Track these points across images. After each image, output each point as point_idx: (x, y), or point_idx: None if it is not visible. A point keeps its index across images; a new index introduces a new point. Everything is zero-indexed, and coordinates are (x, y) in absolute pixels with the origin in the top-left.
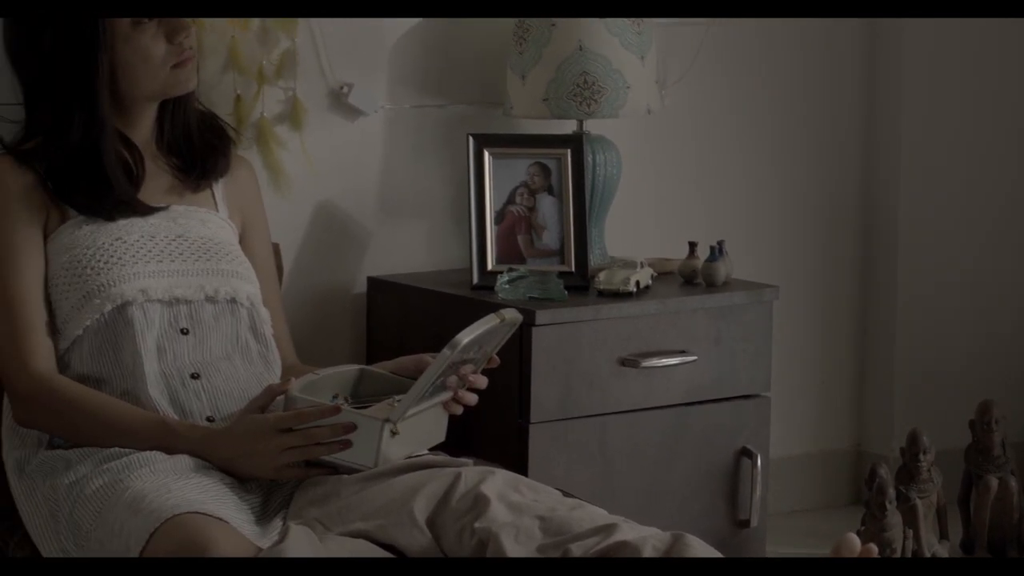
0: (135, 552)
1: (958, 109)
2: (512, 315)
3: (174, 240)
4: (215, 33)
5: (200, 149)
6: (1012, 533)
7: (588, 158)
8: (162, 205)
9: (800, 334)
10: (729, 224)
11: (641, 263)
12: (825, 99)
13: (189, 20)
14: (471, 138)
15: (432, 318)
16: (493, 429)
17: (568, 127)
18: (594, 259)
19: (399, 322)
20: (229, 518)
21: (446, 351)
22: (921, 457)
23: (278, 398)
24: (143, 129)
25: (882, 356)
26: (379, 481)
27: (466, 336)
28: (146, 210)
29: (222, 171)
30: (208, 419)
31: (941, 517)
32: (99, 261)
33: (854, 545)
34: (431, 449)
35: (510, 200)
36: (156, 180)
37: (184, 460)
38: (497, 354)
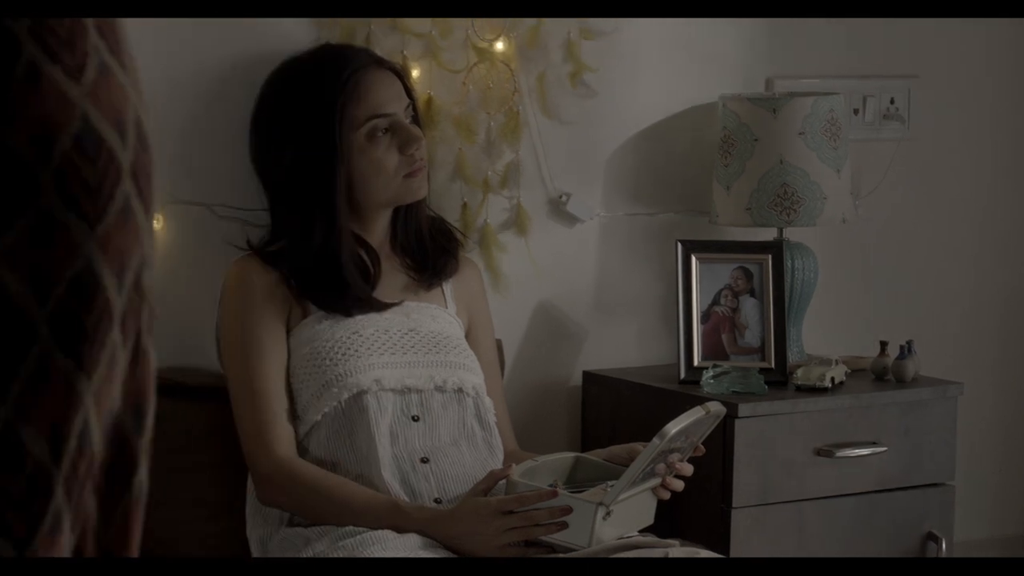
0: None
1: None
2: (717, 407)
3: (406, 334)
4: (444, 145)
5: (431, 251)
6: None
7: (787, 263)
8: (396, 301)
9: (984, 425)
10: (917, 323)
11: (836, 360)
12: (1009, 203)
13: (420, 133)
14: (679, 244)
15: (642, 409)
16: (698, 513)
17: (769, 234)
18: (792, 356)
19: (612, 413)
20: None
21: (656, 440)
22: None
23: (500, 482)
24: (378, 232)
25: None
26: None
27: (674, 426)
28: (381, 306)
29: (451, 271)
30: (436, 500)
31: None
32: (337, 353)
33: None
34: (640, 531)
35: (715, 301)
36: (391, 278)
37: (413, 539)
38: (702, 444)
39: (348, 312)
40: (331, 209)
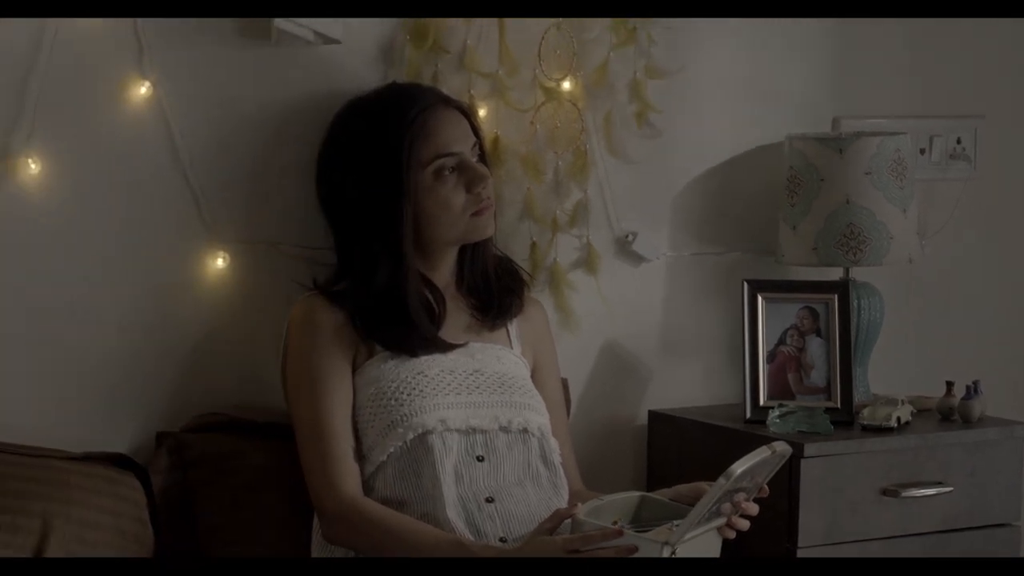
0: None
1: None
2: (782, 447)
3: (471, 375)
4: (512, 184)
5: (497, 291)
6: None
7: (853, 303)
8: (461, 342)
9: None
10: (983, 364)
11: (902, 400)
12: None
13: (487, 171)
14: (746, 283)
15: (707, 449)
16: (763, 552)
17: (835, 274)
18: (858, 396)
19: (677, 452)
20: None
21: (721, 480)
22: None
23: (565, 521)
24: (444, 272)
25: None
26: None
27: (740, 466)
28: (446, 347)
29: (516, 311)
30: (501, 540)
31: None
32: (403, 393)
33: None
34: None
35: (781, 341)
36: (456, 318)
37: None
38: (767, 485)
39: (414, 352)
40: (397, 248)
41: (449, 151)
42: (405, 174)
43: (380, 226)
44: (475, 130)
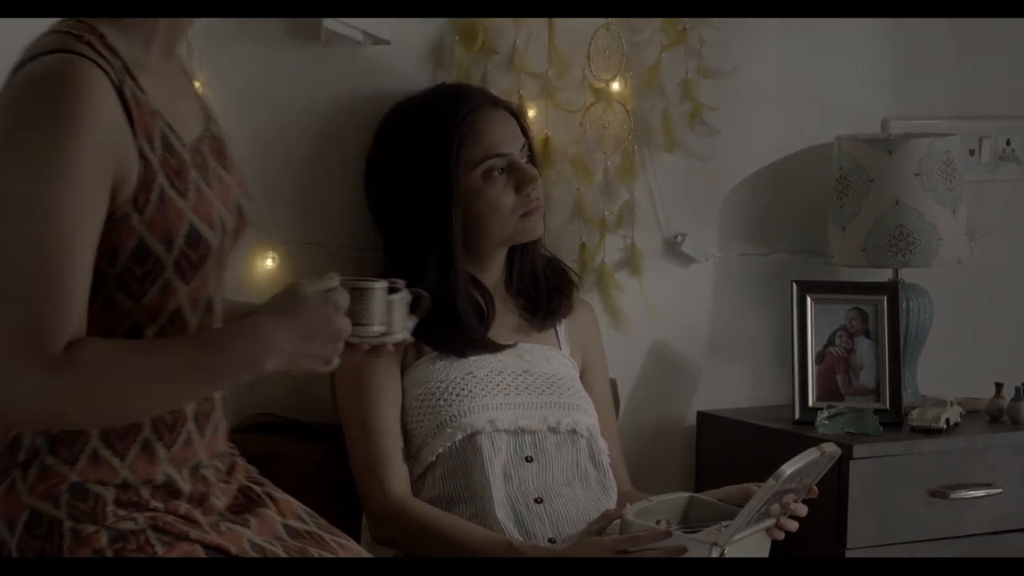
0: None
1: None
2: (831, 449)
3: (520, 375)
4: (561, 185)
5: (545, 291)
6: None
7: (903, 304)
8: (510, 343)
9: None
10: None
11: (951, 402)
12: None
13: (536, 172)
14: (794, 284)
15: (756, 450)
16: (812, 554)
17: (884, 275)
18: (907, 397)
19: (725, 453)
20: None
21: (771, 481)
22: None
23: (614, 522)
24: (493, 273)
25: None
26: None
27: (789, 467)
28: (495, 347)
29: (565, 312)
30: (550, 540)
31: None
32: (451, 394)
33: None
34: None
35: (830, 342)
36: (505, 319)
37: None
38: (816, 486)
39: (462, 353)
40: (446, 249)
41: (498, 152)
42: (454, 175)
43: (429, 227)
44: (524, 131)
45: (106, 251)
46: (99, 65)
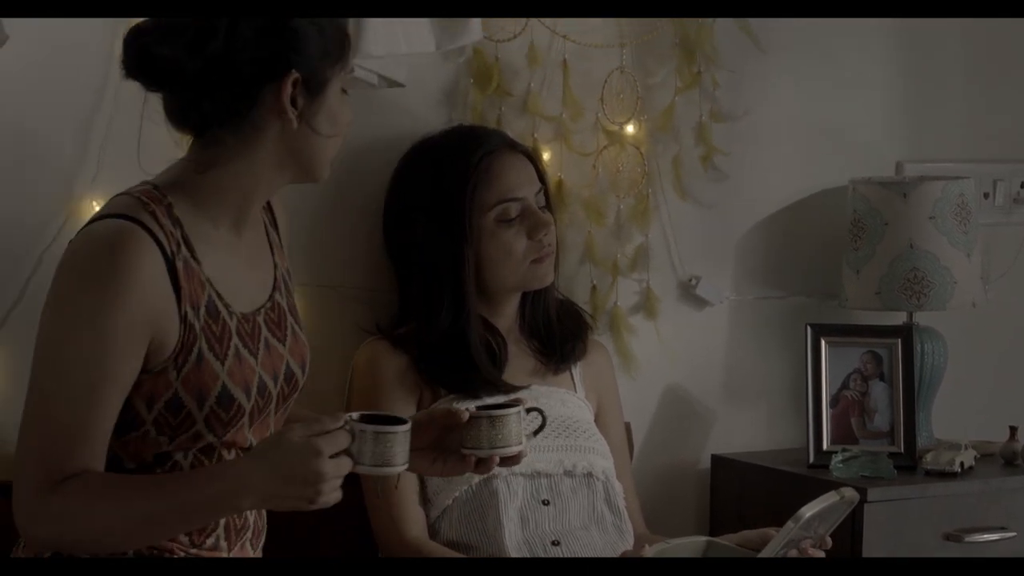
0: None
1: None
2: (851, 494)
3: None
4: (574, 228)
5: (560, 334)
6: None
7: (917, 347)
8: (524, 385)
9: None
10: None
11: (965, 445)
12: None
13: (550, 218)
14: (809, 327)
15: (771, 493)
16: None
17: (898, 318)
18: (922, 441)
19: (740, 496)
20: None
21: (790, 524)
22: None
23: None
24: (507, 316)
25: None
26: None
27: (809, 510)
28: (510, 390)
29: (580, 355)
30: None
31: None
32: None
33: None
34: None
35: (844, 385)
36: (519, 362)
37: None
38: (829, 536)
39: (477, 395)
40: (460, 291)
41: (513, 196)
42: (468, 217)
43: (442, 269)
44: (540, 175)
45: (146, 398)
46: (153, 234)
